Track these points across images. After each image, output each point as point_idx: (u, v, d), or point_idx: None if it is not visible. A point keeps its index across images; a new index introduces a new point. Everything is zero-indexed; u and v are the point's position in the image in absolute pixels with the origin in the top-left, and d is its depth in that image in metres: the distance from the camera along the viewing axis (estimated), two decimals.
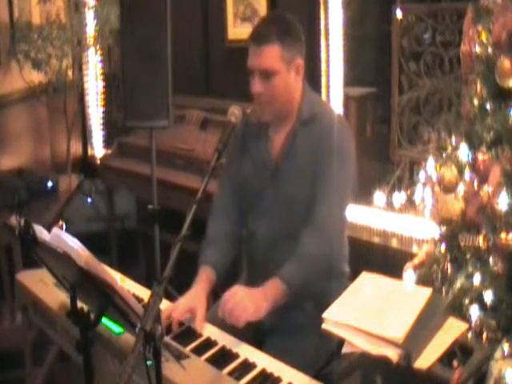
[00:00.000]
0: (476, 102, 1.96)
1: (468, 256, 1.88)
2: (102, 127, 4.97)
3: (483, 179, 1.87)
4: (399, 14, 3.26)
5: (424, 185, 2.10)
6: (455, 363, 1.50)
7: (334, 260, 2.01)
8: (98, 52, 4.76)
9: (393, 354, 1.43)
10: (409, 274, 1.99)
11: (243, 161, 2.14)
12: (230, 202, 2.16)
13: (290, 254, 1.95)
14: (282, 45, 1.95)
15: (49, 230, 1.62)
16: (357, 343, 1.49)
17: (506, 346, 1.60)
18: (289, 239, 2.01)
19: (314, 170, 2.00)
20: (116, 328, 1.72)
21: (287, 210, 2.04)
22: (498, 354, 1.57)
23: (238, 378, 1.56)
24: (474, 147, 1.93)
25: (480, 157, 1.88)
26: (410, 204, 2.63)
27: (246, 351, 1.70)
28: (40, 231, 1.63)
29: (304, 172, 2.02)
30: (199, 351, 1.69)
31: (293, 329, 1.97)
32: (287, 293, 1.88)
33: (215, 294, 2.13)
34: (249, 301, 1.81)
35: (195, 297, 1.90)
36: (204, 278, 1.99)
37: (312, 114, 2.04)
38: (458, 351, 1.54)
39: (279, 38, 1.95)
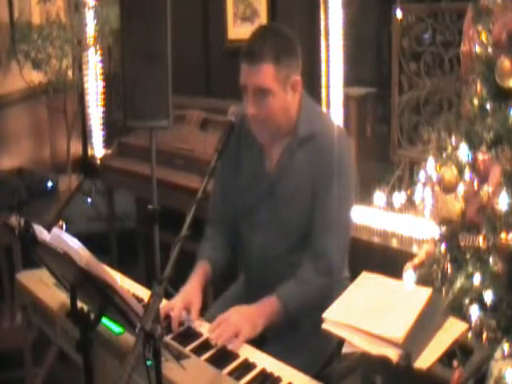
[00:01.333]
0: (476, 101, 1.96)
1: (468, 256, 1.88)
2: (102, 127, 4.98)
3: (483, 179, 1.87)
4: (399, 13, 3.26)
5: (424, 185, 2.10)
6: (455, 363, 1.50)
7: (333, 285, 1.96)
8: (98, 52, 4.77)
9: (393, 354, 1.43)
10: (409, 274, 1.98)
11: (237, 170, 2.09)
12: (224, 210, 2.14)
13: (286, 265, 1.96)
14: (276, 64, 1.84)
15: (49, 230, 1.62)
16: (357, 343, 1.49)
17: (506, 346, 1.60)
18: (284, 252, 2.00)
19: (313, 191, 1.94)
20: (116, 328, 1.72)
21: (282, 226, 2.01)
22: (498, 354, 1.57)
23: (238, 378, 1.56)
24: (474, 147, 1.92)
25: (480, 157, 1.88)
26: (410, 204, 2.63)
27: (246, 351, 1.70)
28: (40, 231, 1.63)
29: (301, 192, 1.96)
30: (199, 351, 1.69)
31: (293, 329, 1.97)
32: (282, 312, 1.87)
33: (215, 295, 2.13)
34: (242, 320, 1.79)
35: (190, 292, 1.91)
36: (199, 272, 2.00)
37: (310, 132, 1.96)
38: (458, 351, 1.54)
39: (274, 57, 1.83)
